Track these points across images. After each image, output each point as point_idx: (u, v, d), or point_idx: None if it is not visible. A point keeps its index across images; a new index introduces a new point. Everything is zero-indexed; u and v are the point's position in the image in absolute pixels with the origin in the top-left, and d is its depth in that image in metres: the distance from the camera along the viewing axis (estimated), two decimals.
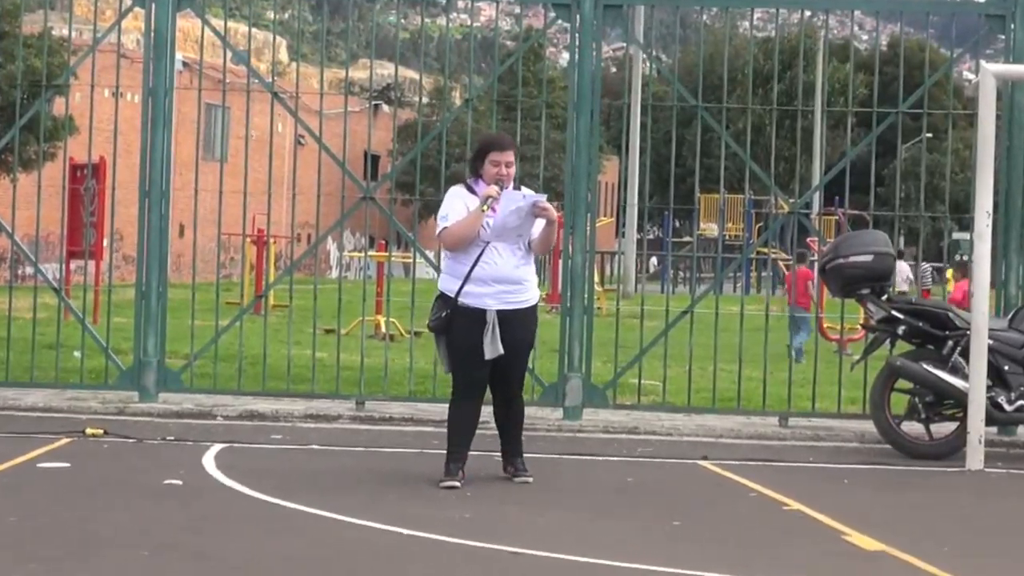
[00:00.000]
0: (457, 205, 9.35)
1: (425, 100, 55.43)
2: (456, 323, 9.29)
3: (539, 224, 9.32)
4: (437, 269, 13.48)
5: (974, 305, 10.95)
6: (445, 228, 9.30)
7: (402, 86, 67.06)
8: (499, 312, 9.25)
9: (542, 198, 9.29)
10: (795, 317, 20.03)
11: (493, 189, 9.24)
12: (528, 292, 9.41)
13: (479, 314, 9.25)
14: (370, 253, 22.78)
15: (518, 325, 9.32)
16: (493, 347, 9.23)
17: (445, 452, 9.46)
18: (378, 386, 13.52)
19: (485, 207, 9.18)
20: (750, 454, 11.41)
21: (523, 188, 9.51)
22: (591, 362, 12.98)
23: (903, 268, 22.28)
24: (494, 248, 9.25)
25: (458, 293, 9.27)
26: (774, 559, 7.53)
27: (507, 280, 9.28)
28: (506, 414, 9.61)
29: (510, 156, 9.37)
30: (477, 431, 9.57)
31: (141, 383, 13.01)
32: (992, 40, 13.32)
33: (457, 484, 9.24)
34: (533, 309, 9.46)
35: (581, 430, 12.39)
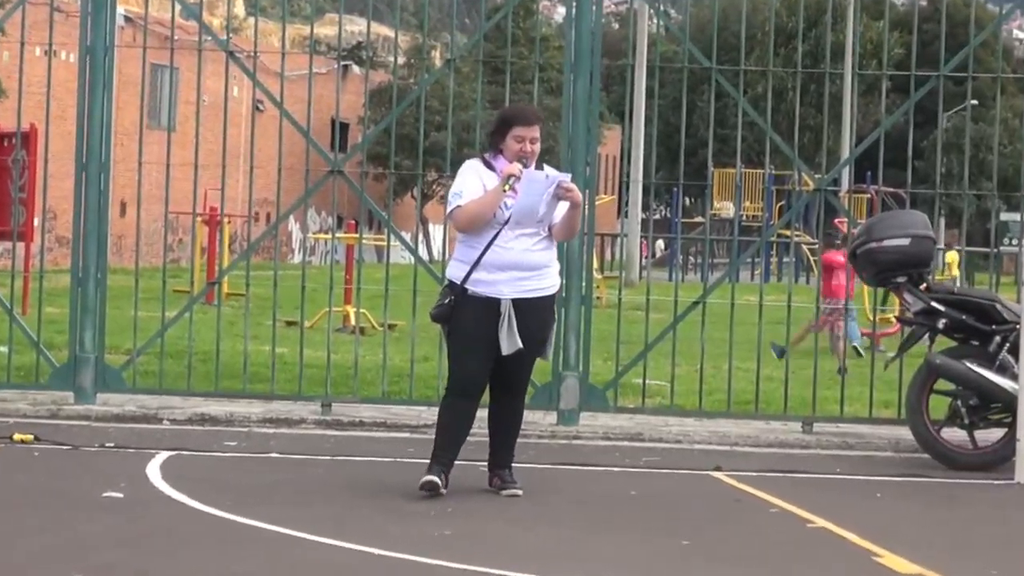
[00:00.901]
0: (472, 182, 9.39)
1: (401, 61, 55.48)
2: (461, 312, 9.34)
3: (562, 207, 9.39)
4: (414, 252, 13.55)
5: None
6: (458, 207, 9.35)
7: (375, 45, 67.00)
8: (514, 301, 9.31)
9: (567, 178, 9.38)
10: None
11: (516, 167, 9.28)
12: (547, 279, 9.48)
13: (492, 304, 9.29)
14: (338, 235, 22.75)
15: (533, 316, 9.38)
16: (511, 341, 9.28)
17: (429, 457, 9.47)
18: (346, 386, 13.51)
19: (506, 187, 9.22)
20: (770, 464, 11.42)
21: (546, 167, 9.52)
22: (589, 359, 12.99)
23: None
24: (509, 231, 9.30)
25: (465, 279, 9.30)
26: None
27: (523, 266, 9.34)
28: (504, 418, 9.63)
29: (536, 131, 9.43)
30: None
31: (77, 382, 12.99)
32: None
33: (437, 481, 9.26)
34: (550, 300, 9.54)
35: (577, 436, 12.40)
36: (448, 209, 9.41)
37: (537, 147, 9.45)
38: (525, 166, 9.33)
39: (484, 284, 9.33)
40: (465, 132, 49.54)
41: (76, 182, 13.01)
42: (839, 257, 17.99)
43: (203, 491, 9.34)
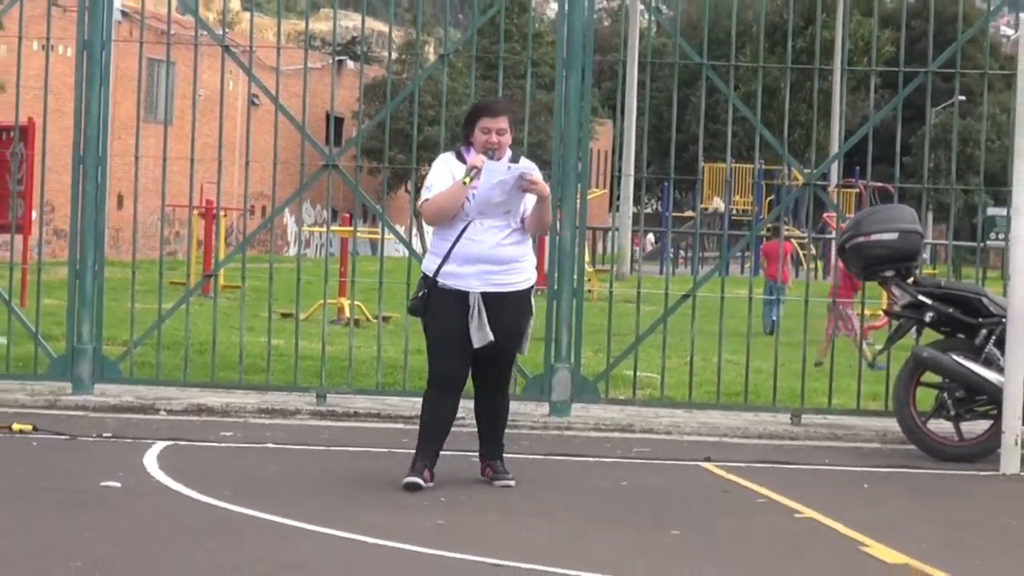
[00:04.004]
0: (443, 175, 9.39)
1: (395, 56, 55.42)
2: (434, 305, 9.33)
3: (530, 199, 9.36)
4: (408, 245, 13.55)
5: (1012, 289, 10.97)
6: (426, 200, 9.34)
7: (369, 40, 66.94)
8: (484, 295, 9.29)
9: (531, 170, 9.31)
10: (775, 291, 21.13)
11: (479, 159, 9.27)
12: (518, 274, 9.43)
13: (460, 296, 9.29)
14: (333, 228, 22.75)
15: (505, 310, 9.34)
16: (481, 334, 9.27)
17: (415, 450, 9.50)
18: (341, 378, 13.52)
19: (468, 179, 9.21)
20: (758, 455, 11.44)
21: (523, 159, 9.50)
22: (580, 352, 12.99)
23: None
24: (479, 224, 9.28)
25: (437, 272, 9.31)
26: (784, 573, 7.55)
27: (493, 260, 9.31)
28: (489, 410, 9.64)
29: (503, 123, 9.39)
30: (453, 428, 9.59)
31: (75, 373, 12.99)
32: None
33: (419, 482, 9.26)
34: (524, 294, 9.47)
35: (569, 427, 12.42)
36: (419, 202, 9.44)
37: (506, 138, 9.39)
38: (491, 157, 9.29)
39: (454, 277, 9.31)
40: (458, 127, 49.12)
41: (73, 175, 13.01)
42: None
43: (200, 481, 9.35)
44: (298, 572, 7.20)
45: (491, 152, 9.33)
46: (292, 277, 13.78)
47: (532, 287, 9.58)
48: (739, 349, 13.63)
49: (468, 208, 9.27)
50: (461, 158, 9.44)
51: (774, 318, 20.99)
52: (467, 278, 9.30)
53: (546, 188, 9.39)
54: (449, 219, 9.31)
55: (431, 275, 9.37)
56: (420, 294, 9.42)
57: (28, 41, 13.27)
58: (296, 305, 13.61)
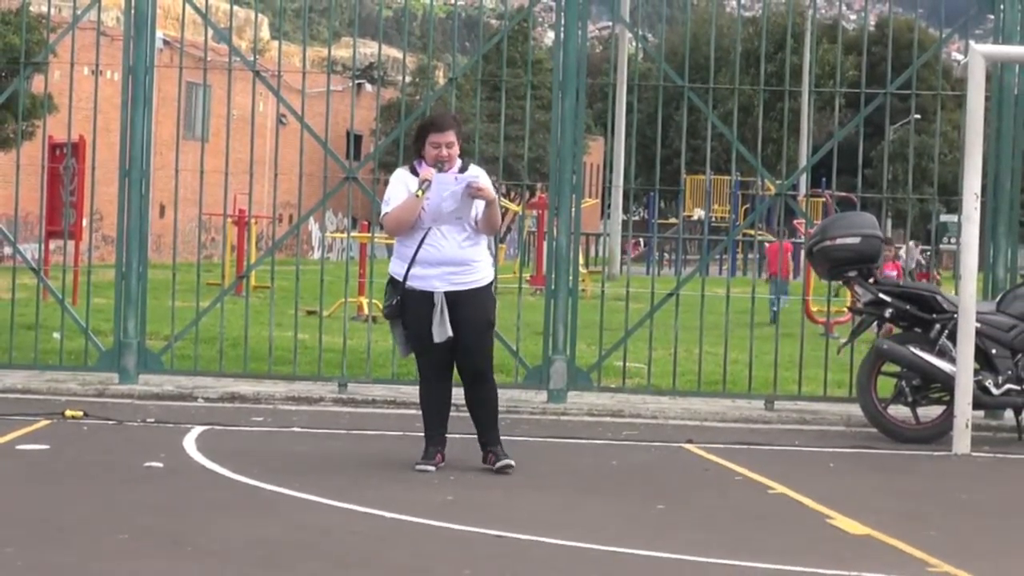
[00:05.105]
0: (398, 189, 9.29)
1: (408, 79, 55.40)
2: (407, 307, 9.28)
3: (479, 204, 9.25)
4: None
5: (961, 288, 10.97)
6: (386, 214, 9.28)
7: (385, 65, 66.96)
8: (448, 293, 9.21)
9: (476, 178, 9.19)
10: (779, 284, 21.50)
11: (429, 172, 9.19)
12: (477, 272, 9.33)
13: (427, 296, 9.23)
14: (353, 234, 22.76)
15: (469, 306, 9.25)
16: (442, 330, 9.19)
17: (424, 437, 9.48)
18: (360, 368, 13.52)
19: (420, 192, 9.12)
20: (735, 437, 11.43)
21: (472, 167, 9.40)
22: (576, 344, 12.99)
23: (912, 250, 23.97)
24: (437, 230, 9.20)
25: (405, 277, 9.26)
26: (758, 543, 7.55)
27: (452, 262, 9.23)
28: (475, 397, 9.47)
29: (450, 137, 9.25)
30: (463, 415, 9.57)
31: (121, 364, 13.00)
32: (981, 20, 13.33)
33: (430, 468, 9.25)
34: (485, 289, 9.38)
35: (565, 413, 12.41)
36: (381, 216, 9.38)
37: (454, 150, 9.26)
38: (440, 169, 9.19)
39: (420, 279, 9.21)
40: (465, 143, 49.35)
41: (120, 187, 13.02)
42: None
43: (233, 461, 9.35)
44: (321, 543, 7.20)
45: (441, 164, 9.22)
46: (316, 278, 13.78)
47: (491, 283, 9.47)
48: (718, 341, 13.63)
49: (424, 217, 9.19)
50: (415, 171, 9.32)
51: (775, 309, 21.25)
52: (431, 279, 9.22)
53: (492, 193, 9.24)
54: (408, 229, 9.24)
55: (400, 279, 9.29)
56: (394, 301, 9.34)
57: (79, 67, 13.27)
58: (320, 303, 13.62)
